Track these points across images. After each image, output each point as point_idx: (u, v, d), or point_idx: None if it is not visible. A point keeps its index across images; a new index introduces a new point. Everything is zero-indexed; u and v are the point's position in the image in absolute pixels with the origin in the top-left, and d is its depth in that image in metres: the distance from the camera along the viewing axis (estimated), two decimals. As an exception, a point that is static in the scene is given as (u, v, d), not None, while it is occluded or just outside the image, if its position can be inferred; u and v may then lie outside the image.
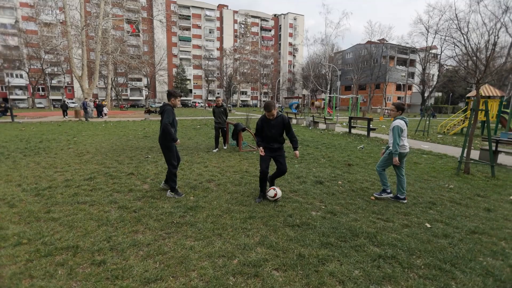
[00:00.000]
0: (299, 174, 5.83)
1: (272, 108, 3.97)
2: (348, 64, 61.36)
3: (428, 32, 39.77)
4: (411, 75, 58.30)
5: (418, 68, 51.65)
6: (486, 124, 6.70)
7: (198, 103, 63.98)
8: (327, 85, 53.63)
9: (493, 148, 7.15)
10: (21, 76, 51.32)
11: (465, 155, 6.21)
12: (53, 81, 51.99)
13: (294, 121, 20.07)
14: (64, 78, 52.88)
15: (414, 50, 52.97)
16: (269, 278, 2.32)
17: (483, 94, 14.10)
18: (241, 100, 74.35)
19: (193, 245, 2.84)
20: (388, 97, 56.26)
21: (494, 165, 6.20)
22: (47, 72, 47.60)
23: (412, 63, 58.50)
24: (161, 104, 5.16)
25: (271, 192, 4.13)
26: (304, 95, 44.99)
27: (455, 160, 7.68)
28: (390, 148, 4.30)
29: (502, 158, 8.18)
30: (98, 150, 8.10)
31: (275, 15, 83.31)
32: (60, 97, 54.90)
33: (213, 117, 9.06)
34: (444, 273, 2.44)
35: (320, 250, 2.78)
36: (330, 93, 49.06)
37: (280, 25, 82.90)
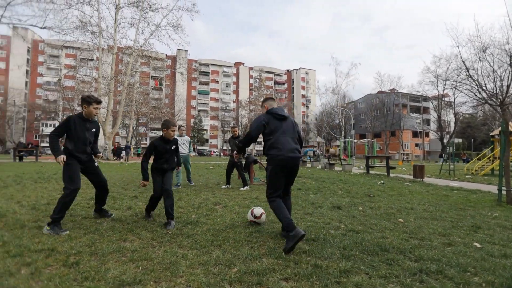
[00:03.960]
0: (314, 201, 5.29)
1: None
2: (361, 113, 62.40)
3: (437, 80, 40.51)
4: (427, 122, 57.84)
5: (433, 115, 51.40)
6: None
7: (214, 152, 65.38)
8: (341, 133, 53.90)
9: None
10: (54, 126, 55.59)
11: (504, 183, 5.50)
12: (80, 131, 55.73)
13: (309, 165, 19.69)
14: (91, 127, 56.67)
15: (426, 98, 53.57)
16: (276, 287, 1.80)
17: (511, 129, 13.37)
18: (256, 150, 75.26)
19: (186, 253, 2.38)
20: (405, 144, 55.13)
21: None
22: (76, 122, 51.47)
23: (426, 110, 58.58)
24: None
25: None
26: (318, 142, 45.09)
27: (492, 195, 6.81)
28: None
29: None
30: (107, 181, 7.95)
31: (288, 70, 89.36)
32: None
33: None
34: (514, 290, 1.81)
35: (341, 262, 2.23)
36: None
37: (293, 79, 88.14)
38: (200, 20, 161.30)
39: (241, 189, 6.75)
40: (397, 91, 53.86)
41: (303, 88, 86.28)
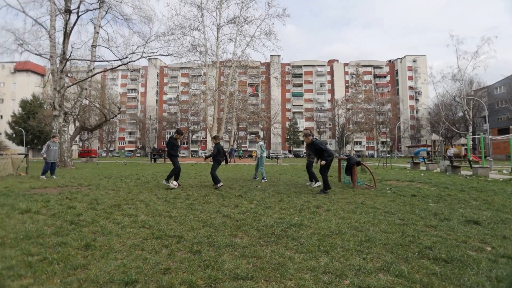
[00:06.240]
0: (437, 211, 4.36)
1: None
2: (500, 101, 48.33)
3: None
4: None
5: None
6: None
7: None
8: (467, 128, 43.36)
9: None
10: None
11: None
12: (193, 136, 66.32)
13: (423, 168, 16.70)
14: (201, 133, 66.60)
15: None
16: (402, 312, 1.52)
17: None
18: (355, 151, 69.91)
19: (293, 256, 2.35)
20: None
21: None
22: (190, 129, 61.55)
23: None
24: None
25: None
26: (434, 141, 37.42)
27: None
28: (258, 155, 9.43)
29: None
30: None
31: (389, 61, 79.25)
32: (196, 149, 68.46)
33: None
34: None
35: (495, 297, 1.69)
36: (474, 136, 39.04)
37: (397, 70, 77.43)
38: (291, 24, 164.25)
39: (307, 184, 7.77)
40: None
41: (410, 78, 74.59)
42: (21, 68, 52.89)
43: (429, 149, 37.55)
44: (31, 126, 44.31)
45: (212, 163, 7.63)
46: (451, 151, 18.32)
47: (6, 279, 1.91)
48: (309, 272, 2.04)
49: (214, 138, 7.92)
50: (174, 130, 67.55)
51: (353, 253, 2.43)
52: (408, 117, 71.72)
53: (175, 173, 7.13)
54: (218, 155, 7.41)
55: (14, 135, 48.15)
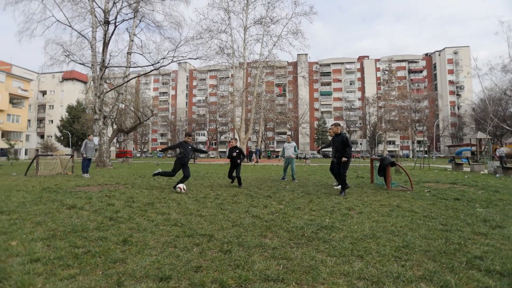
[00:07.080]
0: (486, 218, 3.96)
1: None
2: (558, 95, 42.78)
3: None
4: None
5: None
6: None
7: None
8: (520, 125, 38.92)
9: None
10: (204, 135, 70.32)
11: None
12: (221, 137, 67.72)
13: (467, 169, 15.37)
14: (229, 134, 67.74)
15: None
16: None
17: None
18: (388, 151, 66.37)
19: (325, 259, 2.27)
20: None
21: None
22: (219, 130, 62.92)
23: None
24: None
25: None
26: (480, 139, 33.98)
27: None
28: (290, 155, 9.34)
29: None
30: (244, 180, 9.09)
31: (426, 54, 74.13)
32: (225, 150, 69.74)
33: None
34: None
35: None
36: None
37: (434, 64, 72.15)
38: (318, 21, 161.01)
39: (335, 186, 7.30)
40: None
41: (450, 72, 69.04)
42: (68, 77, 58.05)
43: (473, 148, 34.38)
44: (75, 129, 48.32)
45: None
46: (502, 150, 16.59)
47: (57, 268, 2.08)
48: (342, 277, 1.95)
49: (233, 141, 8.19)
50: (203, 132, 70.06)
51: (390, 259, 2.28)
52: (448, 114, 66.49)
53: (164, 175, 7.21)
54: (240, 157, 7.64)
55: (62, 138, 52.90)
